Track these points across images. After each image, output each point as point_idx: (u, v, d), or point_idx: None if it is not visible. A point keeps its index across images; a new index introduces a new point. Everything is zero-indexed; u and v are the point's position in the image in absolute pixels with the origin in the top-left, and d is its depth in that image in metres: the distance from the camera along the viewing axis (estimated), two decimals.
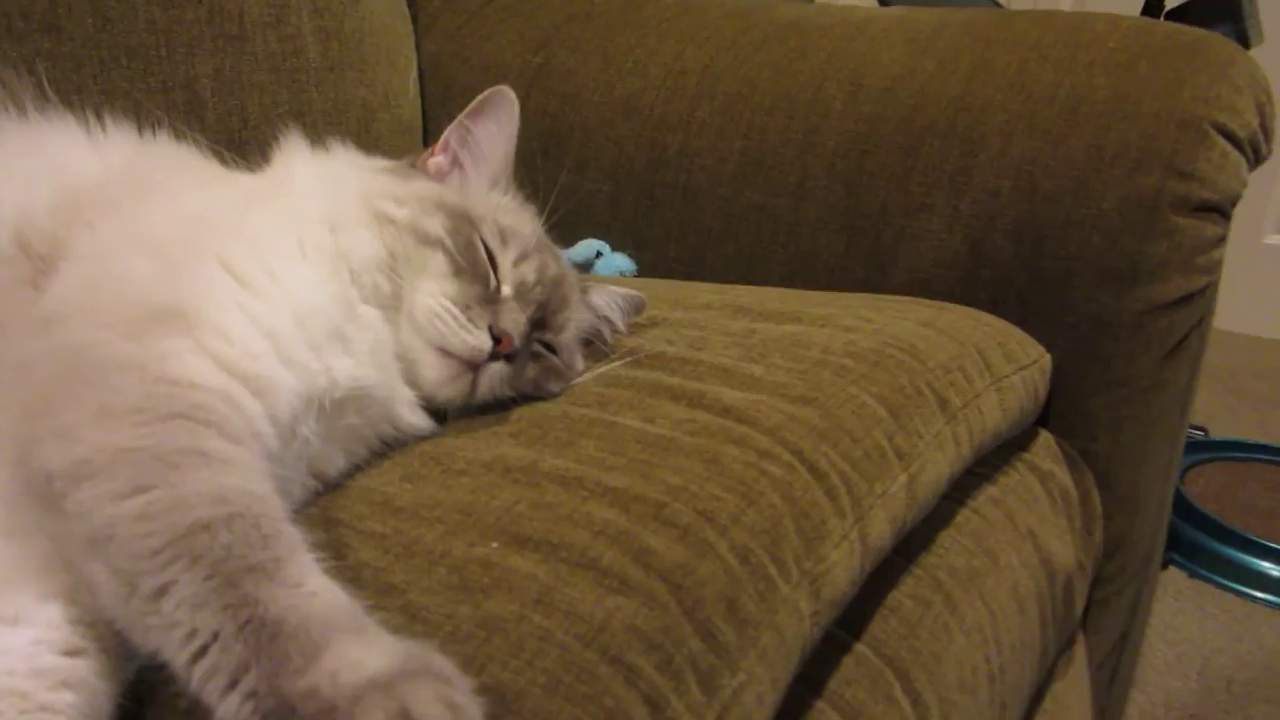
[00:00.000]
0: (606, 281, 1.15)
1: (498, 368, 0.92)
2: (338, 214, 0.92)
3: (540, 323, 0.98)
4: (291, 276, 0.86)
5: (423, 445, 0.91)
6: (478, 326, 0.91)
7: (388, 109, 1.66)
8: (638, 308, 1.13)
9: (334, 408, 0.85)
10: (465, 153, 1.03)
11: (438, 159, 1.03)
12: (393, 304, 0.92)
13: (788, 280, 1.51)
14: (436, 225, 0.94)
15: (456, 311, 0.91)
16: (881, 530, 0.93)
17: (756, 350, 1.08)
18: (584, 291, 1.08)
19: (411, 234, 0.93)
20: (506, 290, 0.96)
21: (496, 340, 0.91)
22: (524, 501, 0.80)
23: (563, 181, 1.66)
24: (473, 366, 0.91)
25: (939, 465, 1.03)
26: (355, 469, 0.88)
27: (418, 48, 1.79)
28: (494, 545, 0.76)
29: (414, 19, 1.79)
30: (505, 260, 0.97)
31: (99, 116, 1.02)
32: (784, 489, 0.86)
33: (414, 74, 1.75)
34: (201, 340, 0.78)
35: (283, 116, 1.50)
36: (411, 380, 0.92)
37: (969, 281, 1.40)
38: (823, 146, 1.49)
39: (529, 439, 0.90)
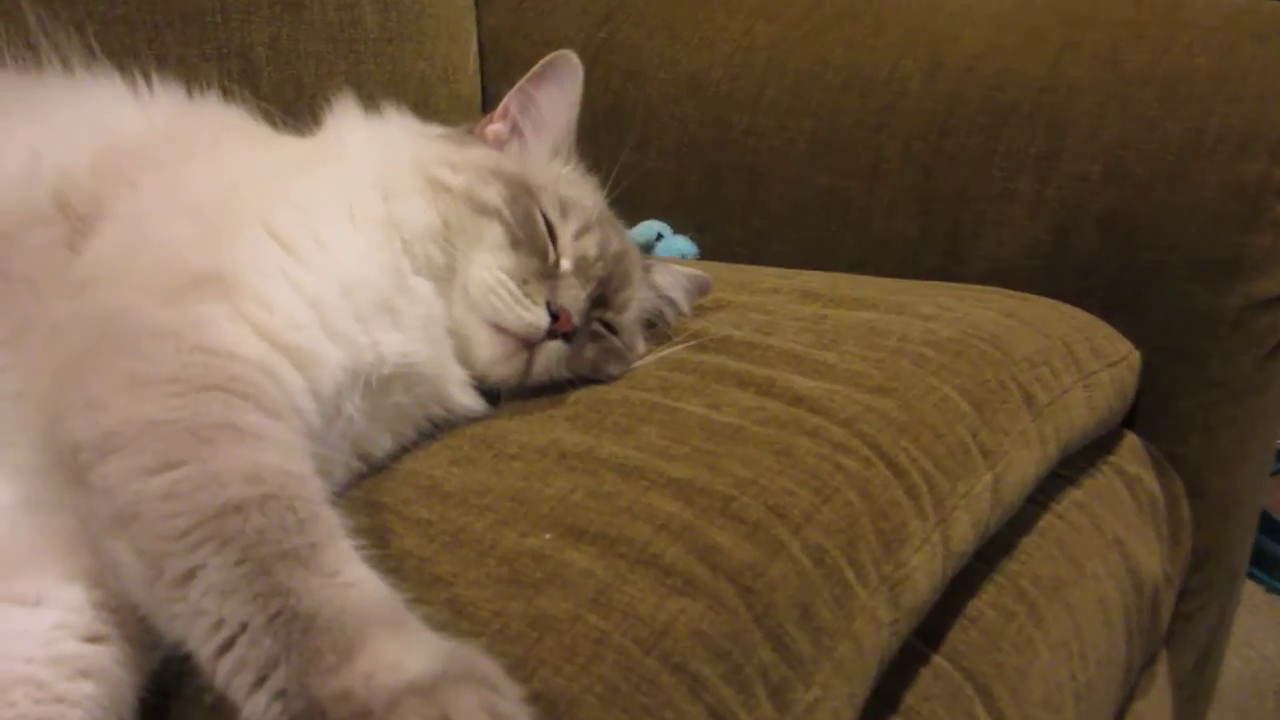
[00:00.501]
0: (670, 261, 1.08)
1: (555, 346, 0.86)
2: (390, 180, 0.86)
3: (601, 301, 0.91)
4: (340, 244, 0.80)
5: (473, 427, 0.85)
6: (535, 302, 0.85)
7: (446, 83, 1.61)
8: (703, 289, 1.06)
9: (381, 385, 0.79)
10: (526, 119, 0.96)
11: (497, 126, 0.97)
12: (446, 276, 0.85)
13: (858, 267, 1.43)
14: (494, 194, 0.87)
15: (513, 286, 0.85)
16: (965, 533, 0.85)
17: (829, 337, 1.00)
18: (647, 270, 1.01)
19: (467, 203, 0.87)
20: (566, 265, 0.89)
21: (554, 317, 0.85)
22: (580, 490, 0.74)
23: (624, 160, 1.61)
24: (528, 345, 0.85)
25: (1025, 465, 0.95)
26: (402, 450, 0.83)
27: (478, 21, 1.73)
28: (547, 537, 0.69)
29: None
30: (565, 233, 0.90)
31: (147, 77, 0.97)
32: (861, 485, 0.78)
33: (474, 48, 1.69)
34: (242, 307, 0.72)
35: (339, 87, 1.45)
36: (464, 358, 0.86)
37: (1053, 272, 1.31)
38: (898, 127, 1.41)
39: (586, 424, 0.84)
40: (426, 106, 1.57)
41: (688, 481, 0.74)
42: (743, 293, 1.15)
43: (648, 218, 1.50)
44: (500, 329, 0.85)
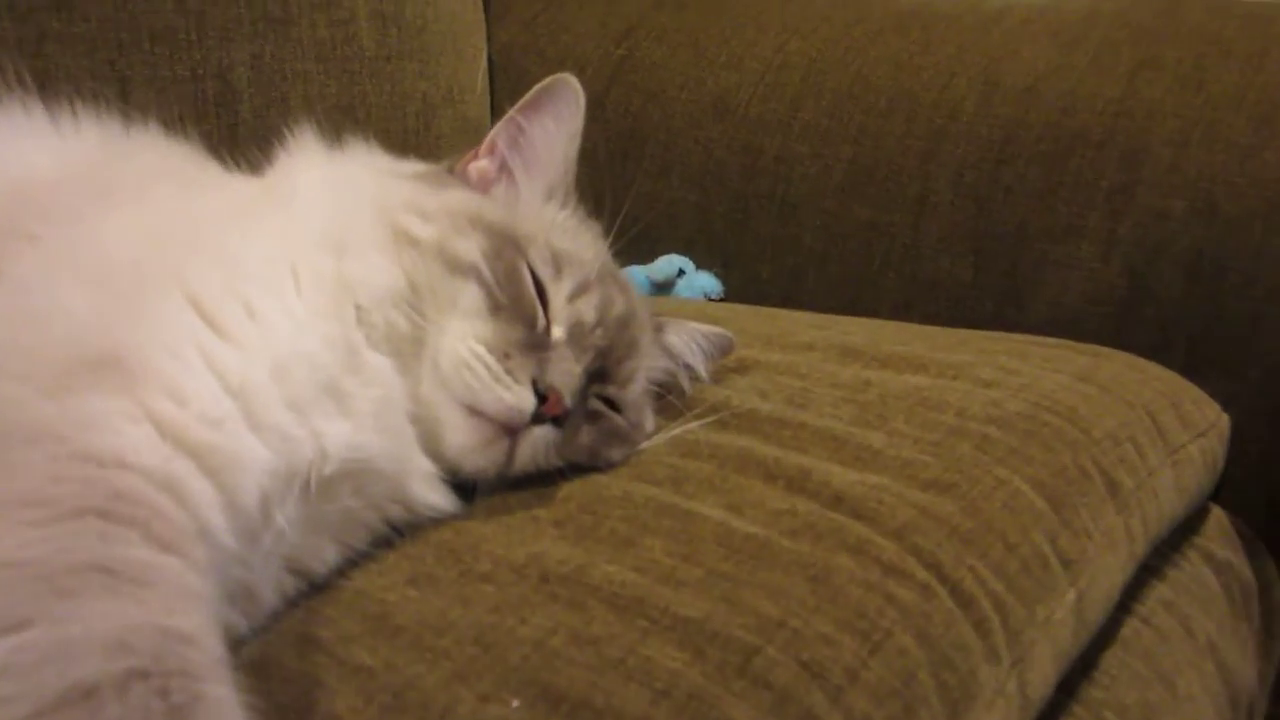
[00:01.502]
0: (686, 313, 0.91)
1: (543, 433, 0.70)
2: (346, 232, 0.70)
3: (601, 374, 0.75)
4: (277, 314, 0.65)
5: (441, 532, 0.69)
6: (518, 380, 0.69)
7: (451, 104, 1.45)
8: (724, 349, 0.89)
9: (323, 487, 0.64)
10: (516, 156, 0.80)
11: (481, 163, 0.81)
12: (412, 349, 0.70)
13: (901, 311, 1.26)
14: (471, 248, 0.72)
15: (492, 360, 0.69)
16: (1045, 673, 0.68)
17: (874, 411, 0.83)
18: (658, 330, 0.85)
19: (439, 259, 0.71)
20: (558, 333, 0.73)
21: (542, 398, 0.69)
22: (562, 631, 0.58)
23: (643, 188, 1.46)
24: (510, 431, 0.69)
25: (1111, 573, 0.78)
26: (350, 563, 0.67)
27: (489, 38, 1.57)
28: (515, 704, 0.53)
29: (485, 6, 1.58)
30: (558, 294, 0.74)
31: (105, 103, 0.83)
32: (919, 624, 0.61)
33: (483, 66, 1.54)
34: (144, 399, 0.57)
35: (330, 111, 1.30)
36: (432, 447, 0.70)
37: (1126, 321, 1.14)
38: (949, 155, 1.24)
39: (578, 530, 0.67)
40: (429, 130, 1.42)
41: (699, 623, 0.58)
42: (772, 349, 0.99)
43: (668, 252, 1.35)
44: (476, 412, 0.69)
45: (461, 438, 0.69)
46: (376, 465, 0.66)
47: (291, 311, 0.65)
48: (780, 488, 0.72)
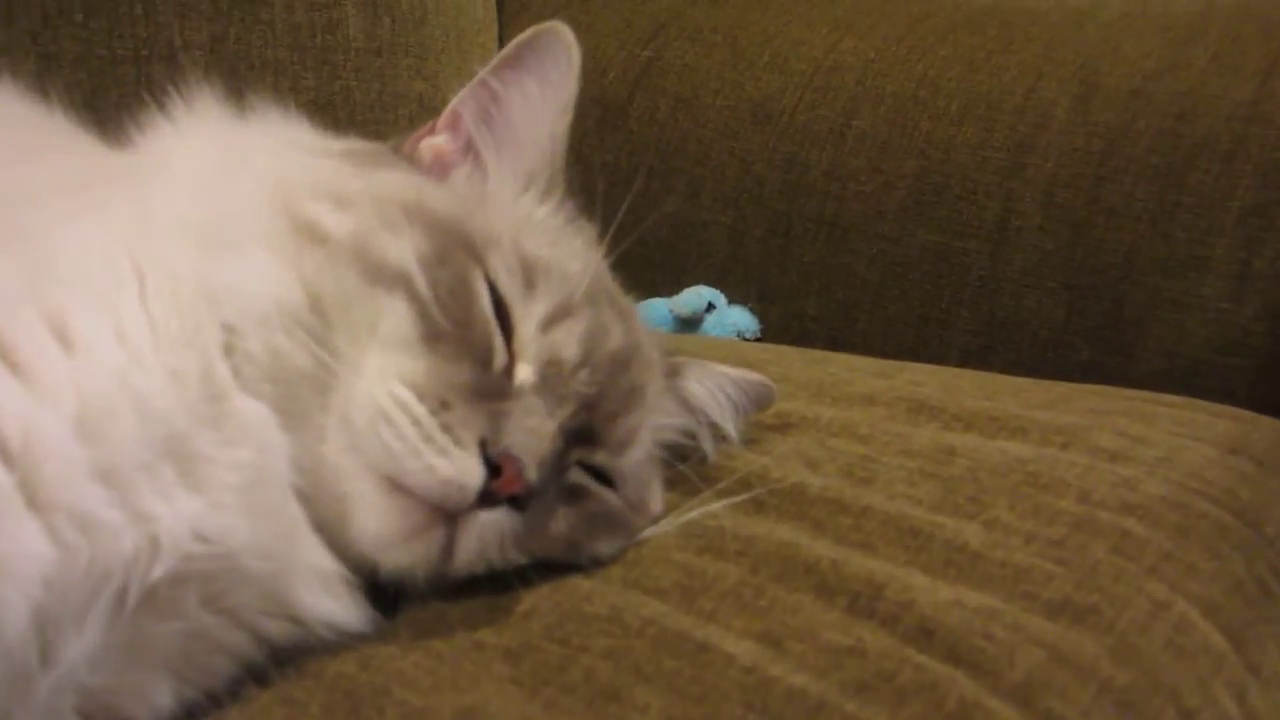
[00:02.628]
0: (715, 355, 0.68)
1: (495, 519, 0.47)
2: (223, 222, 0.49)
3: (586, 434, 0.52)
4: (101, 336, 0.43)
5: (341, 661, 0.46)
6: (458, 442, 0.46)
7: None
8: (761, 401, 0.66)
9: (153, 597, 0.42)
10: (485, 131, 0.58)
11: (438, 140, 0.59)
12: (311, 395, 0.47)
13: (976, 358, 1.03)
14: (403, 248, 0.49)
15: (423, 412, 0.47)
16: None
17: (964, 491, 0.60)
18: (673, 374, 0.62)
19: (355, 263, 0.49)
20: (525, 374, 0.51)
21: (495, 469, 0.46)
22: None
23: (669, 208, 1.25)
24: (447, 516, 0.47)
25: None
26: (199, 706, 0.44)
27: (500, 38, 1.37)
28: None
29: (499, 1, 1.38)
30: (527, 319, 0.51)
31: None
32: None
33: None
34: None
35: (305, 108, 1.10)
36: (336, 534, 0.47)
37: (1266, 375, 0.89)
38: (1036, 170, 1.02)
39: (538, 670, 0.44)
40: None
41: None
42: (821, 401, 0.76)
43: (697, 282, 1.14)
44: (398, 487, 0.46)
45: (376, 523, 0.47)
46: (241, 562, 0.44)
47: (124, 333, 0.44)
48: (840, 608, 0.48)
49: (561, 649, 0.46)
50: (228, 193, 0.50)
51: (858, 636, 0.46)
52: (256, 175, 0.51)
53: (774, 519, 0.57)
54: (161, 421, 0.42)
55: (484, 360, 0.49)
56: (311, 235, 0.49)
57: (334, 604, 0.46)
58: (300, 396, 0.47)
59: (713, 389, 0.63)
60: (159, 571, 0.41)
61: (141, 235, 0.47)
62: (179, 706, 0.44)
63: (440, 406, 0.47)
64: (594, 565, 0.53)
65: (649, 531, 0.56)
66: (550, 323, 0.52)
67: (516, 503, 0.47)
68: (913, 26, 1.17)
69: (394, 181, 0.54)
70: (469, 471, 0.46)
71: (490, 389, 0.49)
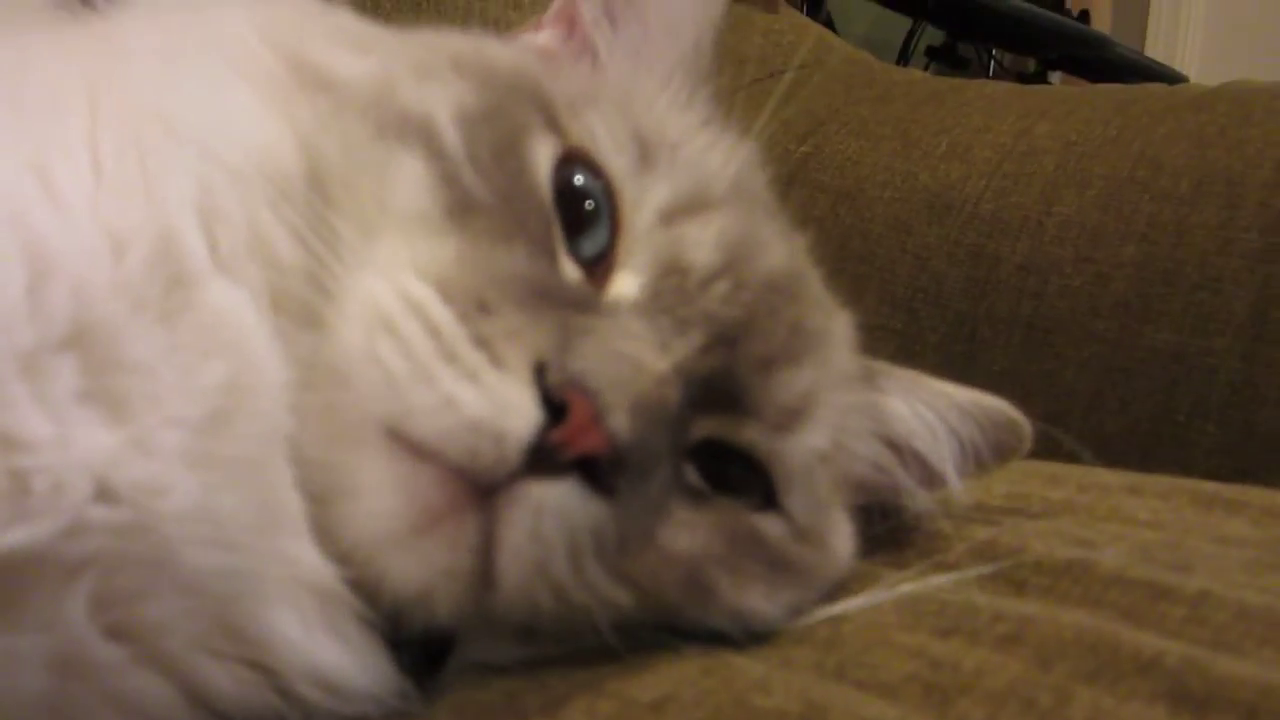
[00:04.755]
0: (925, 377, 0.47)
1: (558, 498, 0.27)
2: (203, 48, 0.32)
3: (721, 390, 0.32)
4: (10, 171, 0.26)
5: None
6: (498, 361, 0.28)
7: None
8: (1001, 441, 0.45)
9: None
10: (609, 28, 0.41)
11: (542, 37, 0.42)
12: (309, 296, 0.29)
13: (1226, 479, 0.78)
14: (433, 95, 0.33)
15: (446, 316, 0.28)
16: None
17: None
18: (867, 379, 0.41)
19: (369, 112, 0.32)
20: (626, 284, 0.32)
21: (556, 411, 0.26)
22: None
23: None
24: (481, 491, 0.26)
25: None
26: None
27: None
28: None
29: None
30: (640, 206, 0.33)
31: None
32: None
33: None
34: None
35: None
36: (326, 528, 0.28)
37: None
38: None
39: None
40: None
41: None
42: (1064, 488, 0.54)
43: None
44: (398, 437, 0.27)
45: (368, 503, 0.27)
46: (173, 548, 0.25)
47: (47, 170, 0.27)
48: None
49: None
50: (215, 21, 0.34)
51: None
52: (254, 12, 0.35)
53: (1049, 600, 0.35)
54: (71, 301, 0.25)
55: (545, 248, 0.31)
56: (315, 80, 0.33)
57: (328, 644, 0.27)
58: (294, 296, 0.29)
59: (923, 412, 0.42)
60: (19, 538, 0.23)
61: (99, 57, 0.31)
62: None
63: (476, 309, 0.28)
64: (746, 632, 0.31)
65: (846, 606, 0.34)
66: (675, 214, 0.33)
67: (595, 475, 0.27)
68: (1120, 110, 0.99)
69: (447, 36, 0.38)
70: (513, 407, 0.26)
71: (563, 294, 0.30)
